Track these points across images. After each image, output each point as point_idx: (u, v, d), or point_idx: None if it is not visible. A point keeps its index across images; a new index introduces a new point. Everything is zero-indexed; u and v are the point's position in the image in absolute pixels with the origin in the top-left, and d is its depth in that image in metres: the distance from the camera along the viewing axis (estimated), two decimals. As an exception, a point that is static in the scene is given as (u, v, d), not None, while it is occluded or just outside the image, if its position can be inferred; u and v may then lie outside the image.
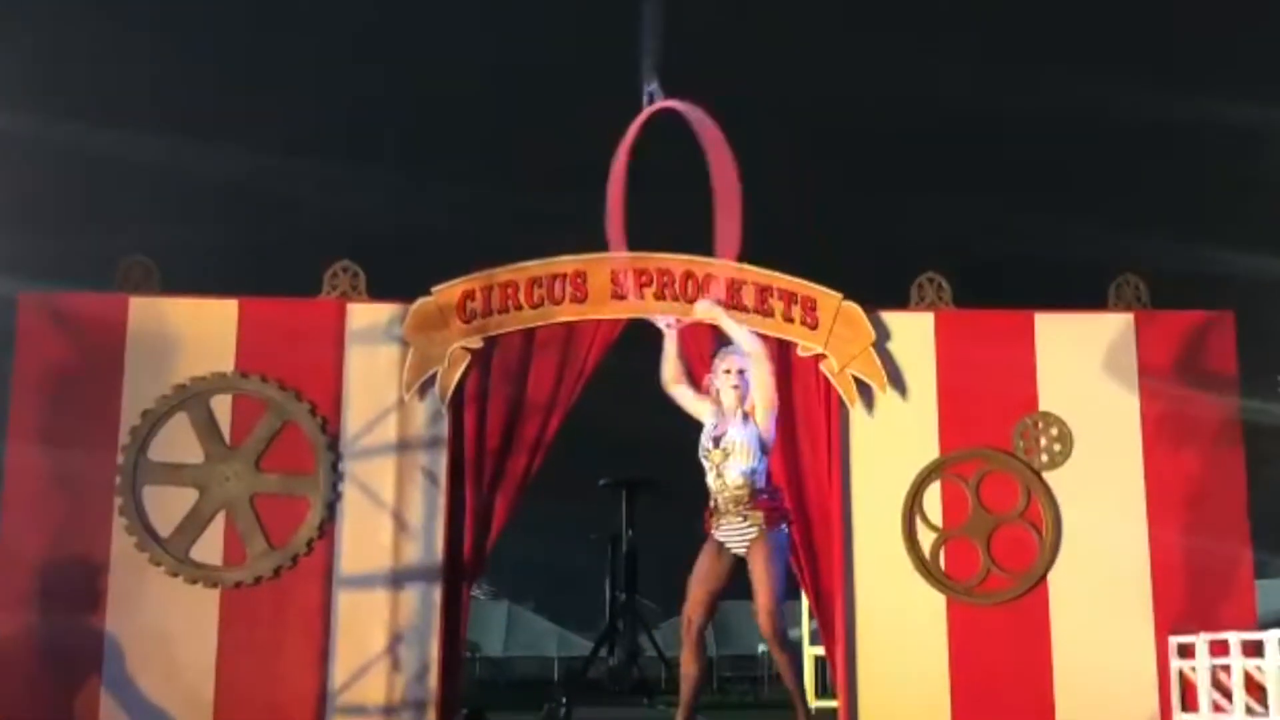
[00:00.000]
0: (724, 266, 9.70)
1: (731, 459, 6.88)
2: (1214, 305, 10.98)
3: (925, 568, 10.46)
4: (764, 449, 6.95)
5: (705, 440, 7.03)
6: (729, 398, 7.07)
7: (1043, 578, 10.49)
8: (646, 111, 7.48)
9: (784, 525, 6.96)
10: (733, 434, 6.91)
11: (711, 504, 7.00)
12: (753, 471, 6.86)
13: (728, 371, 7.13)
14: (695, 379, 7.71)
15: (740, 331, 7.14)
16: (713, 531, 6.99)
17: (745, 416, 6.92)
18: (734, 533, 6.84)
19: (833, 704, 10.60)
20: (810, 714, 7.26)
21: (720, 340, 7.80)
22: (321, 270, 10.54)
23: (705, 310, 7.41)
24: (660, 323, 7.41)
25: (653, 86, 7.37)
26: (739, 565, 7.02)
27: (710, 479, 6.97)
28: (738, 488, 6.83)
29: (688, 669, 7.16)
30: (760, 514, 6.81)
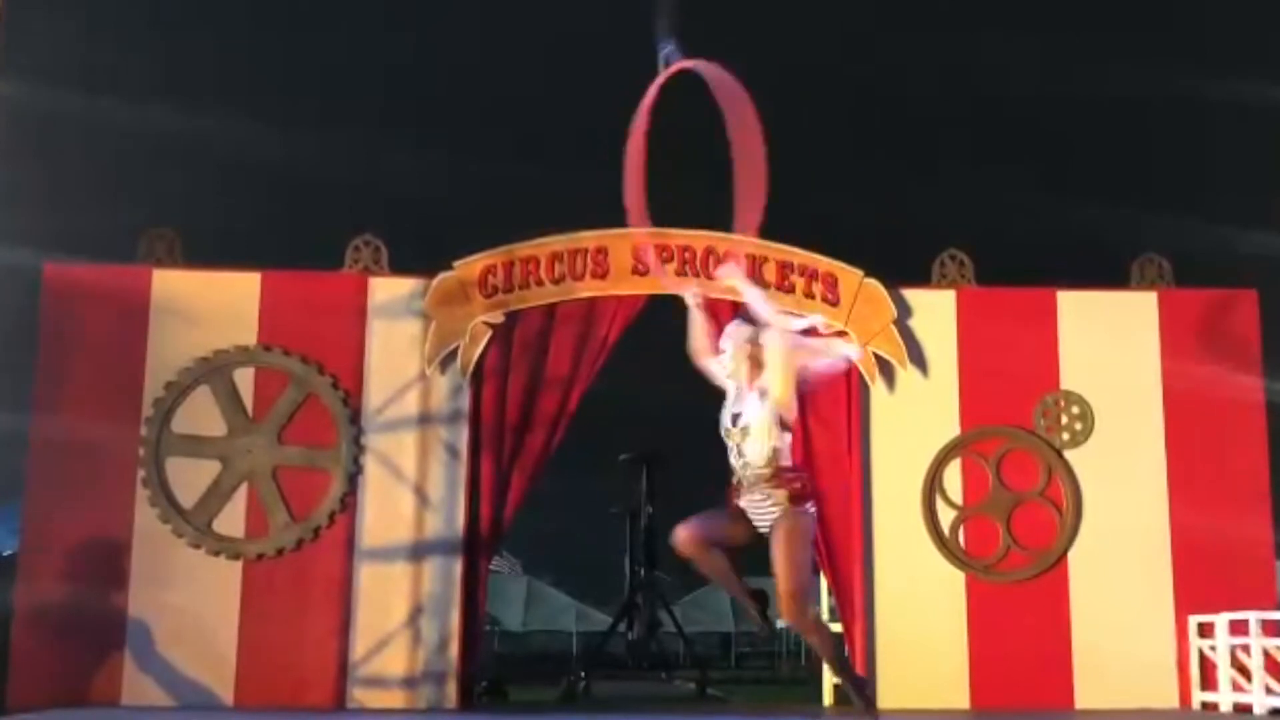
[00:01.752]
0: (742, 242, 9.62)
1: (750, 438, 6.63)
2: (1238, 284, 10.92)
3: (945, 545, 10.46)
4: (784, 426, 6.70)
5: (725, 417, 6.84)
6: (739, 374, 6.83)
7: (1063, 556, 10.49)
8: (664, 74, 7.29)
9: (809, 505, 6.76)
10: (749, 413, 6.69)
11: (735, 480, 6.81)
12: (774, 450, 6.65)
13: (749, 343, 6.93)
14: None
15: (759, 301, 6.85)
16: (737, 501, 6.82)
17: (762, 393, 6.69)
18: (757, 509, 6.65)
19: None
20: (863, 689, 6.99)
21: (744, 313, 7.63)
22: (344, 244, 10.57)
23: (727, 275, 7.21)
24: (686, 295, 7.20)
25: (669, 48, 7.18)
26: (755, 539, 6.85)
27: (732, 458, 6.76)
28: (760, 467, 6.63)
29: (715, 565, 6.87)
30: (784, 493, 6.58)
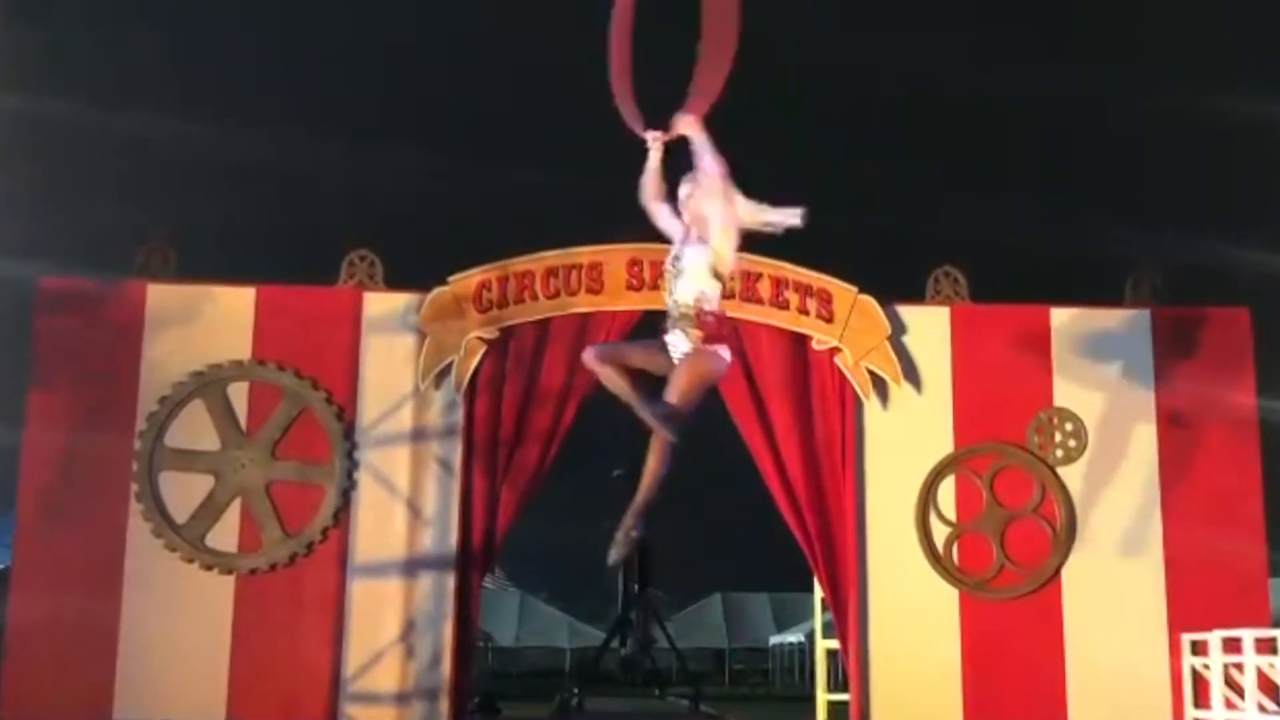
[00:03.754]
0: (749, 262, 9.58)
1: (683, 278, 6.87)
2: (1231, 302, 10.95)
3: (939, 562, 10.46)
4: (716, 274, 6.87)
5: (669, 258, 7.07)
6: (689, 218, 7.05)
7: (1056, 573, 10.50)
8: None
9: (722, 350, 6.84)
10: (688, 255, 6.89)
11: (667, 319, 7.03)
12: (700, 293, 6.81)
13: (687, 196, 7.11)
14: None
15: (706, 154, 7.01)
16: (664, 336, 7.02)
17: (701, 241, 6.85)
18: (675, 345, 6.89)
19: (845, 697, 10.61)
20: (637, 514, 7.16)
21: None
22: (339, 258, 10.58)
23: (685, 125, 7.25)
24: (646, 139, 7.25)
25: None
26: (669, 372, 6.87)
27: (665, 295, 7.00)
28: (685, 306, 6.80)
29: (615, 382, 7.02)
30: (699, 333, 6.75)
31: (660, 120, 7.01)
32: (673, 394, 6.78)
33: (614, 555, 7.07)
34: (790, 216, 7.01)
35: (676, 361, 6.84)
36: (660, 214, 7.17)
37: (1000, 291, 11.03)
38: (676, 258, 6.97)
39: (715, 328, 6.86)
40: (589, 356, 6.94)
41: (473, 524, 10.32)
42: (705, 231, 6.86)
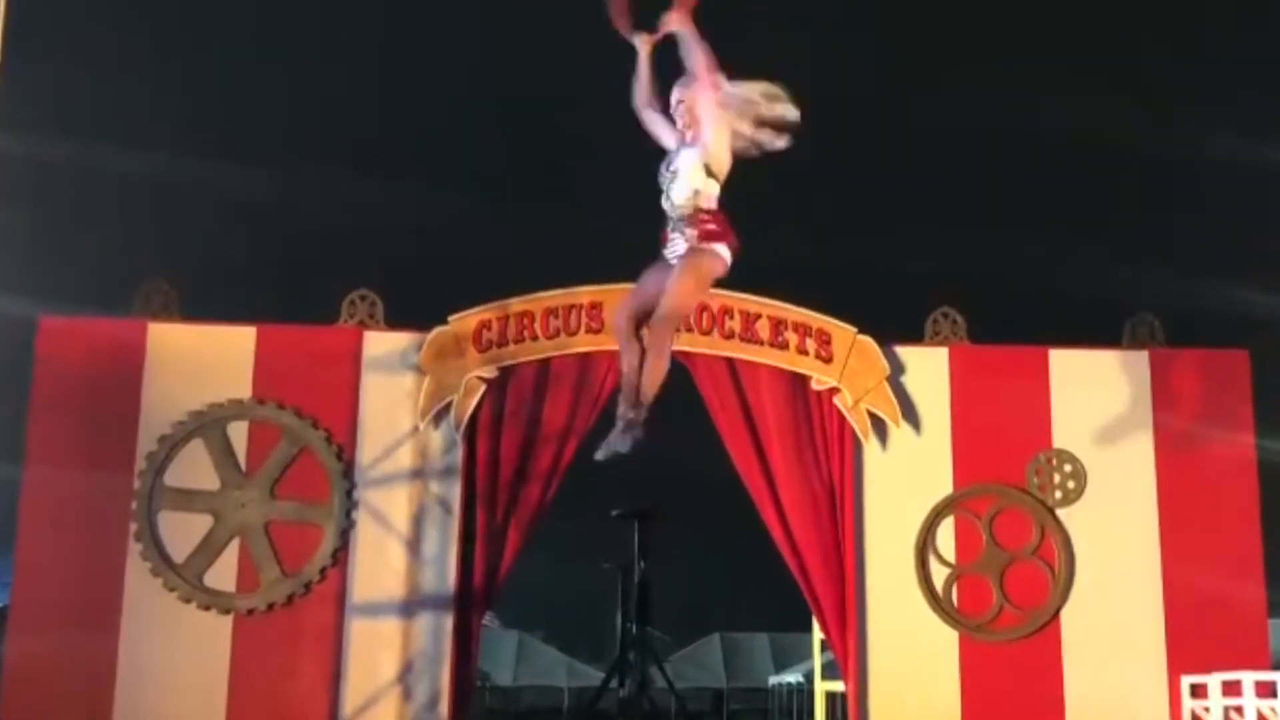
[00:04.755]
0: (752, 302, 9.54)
1: (678, 181, 6.80)
2: (1229, 344, 10.98)
3: (938, 604, 10.44)
4: (710, 173, 6.80)
5: (663, 166, 6.98)
6: (683, 124, 6.96)
7: (1055, 615, 10.47)
8: None
9: (720, 248, 6.77)
10: (682, 156, 6.82)
11: (667, 228, 6.94)
12: (695, 192, 6.75)
13: (680, 102, 7.02)
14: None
15: (695, 48, 6.91)
16: (664, 251, 6.93)
17: (695, 141, 6.78)
18: (673, 252, 6.82)
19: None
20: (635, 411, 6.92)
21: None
22: (341, 297, 10.60)
23: (674, 21, 7.14)
24: (636, 43, 7.12)
25: None
26: None
27: (663, 201, 6.89)
28: (681, 207, 6.77)
29: (627, 365, 6.97)
30: (694, 231, 6.72)
31: (649, 23, 6.89)
32: (669, 298, 6.71)
33: (603, 452, 6.93)
34: (786, 111, 6.91)
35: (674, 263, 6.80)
36: (655, 122, 7.02)
37: (999, 333, 11.05)
38: (668, 162, 6.91)
39: (714, 226, 6.80)
40: (615, 328, 6.93)
41: (471, 564, 10.30)
42: (700, 133, 6.80)
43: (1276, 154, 10.64)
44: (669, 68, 6.83)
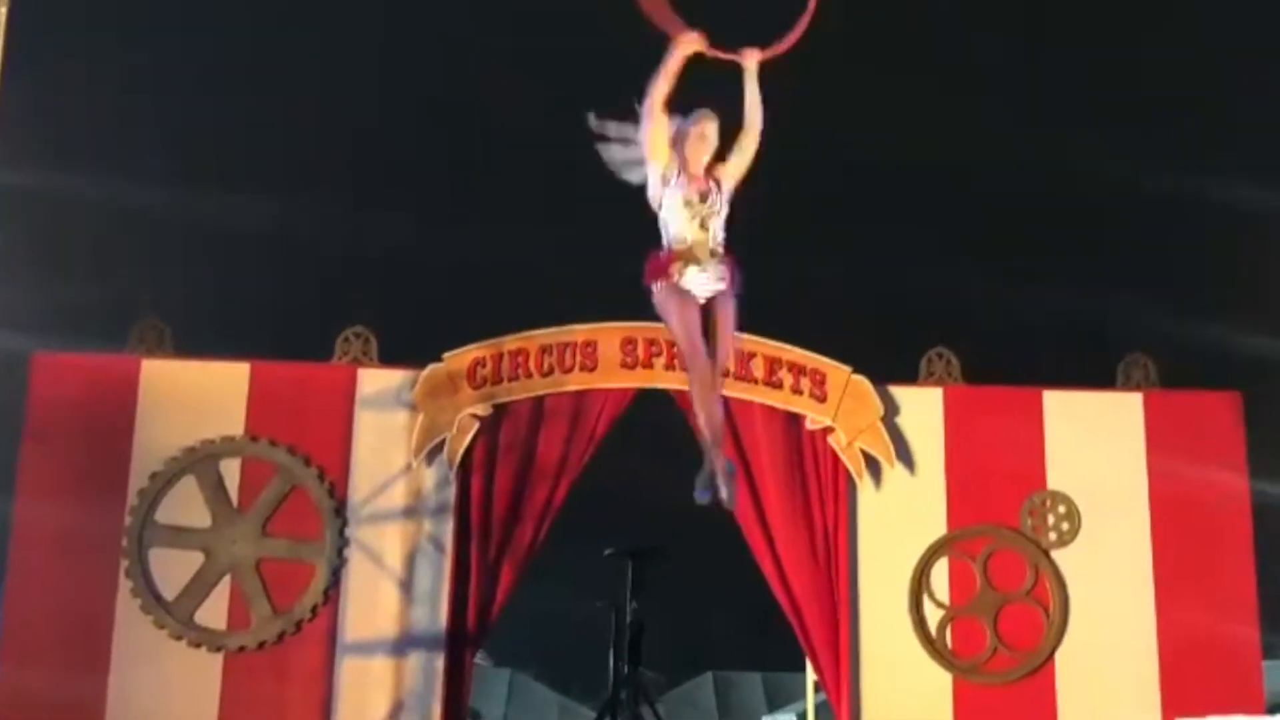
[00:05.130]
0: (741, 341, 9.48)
1: (718, 216, 6.81)
2: (1223, 386, 10.99)
3: (932, 645, 10.41)
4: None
5: (684, 191, 6.84)
6: (701, 158, 6.87)
7: (1050, 657, 10.44)
8: None
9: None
10: (715, 195, 6.81)
11: (677, 253, 6.81)
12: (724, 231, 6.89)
13: (704, 137, 6.91)
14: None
15: (757, 100, 6.84)
16: (676, 280, 6.84)
17: (718, 183, 6.81)
18: (704, 283, 6.79)
19: (837, 781, 10.53)
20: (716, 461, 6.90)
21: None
22: (335, 333, 10.60)
23: (751, 58, 6.98)
24: (684, 41, 6.89)
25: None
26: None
27: (690, 229, 6.76)
28: (718, 244, 6.79)
29: (713, 411, 6.93)
30: (727, 271, 6.77)
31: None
32: (730, 356, 6.76)
33: (700, 491, 6.88)
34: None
35: (701, 300, 6.78)
36: (660, 126, 6.77)
37: (993, 373, 11.06)
38: (703, 195, 6.87)
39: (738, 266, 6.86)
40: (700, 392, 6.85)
41: (464, 602, 10.26)
42: (722, 180, 6.85)
43: (1272, 197, 10.68)
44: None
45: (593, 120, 6.98)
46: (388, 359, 10.61)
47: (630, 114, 6.88)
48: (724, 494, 6.91)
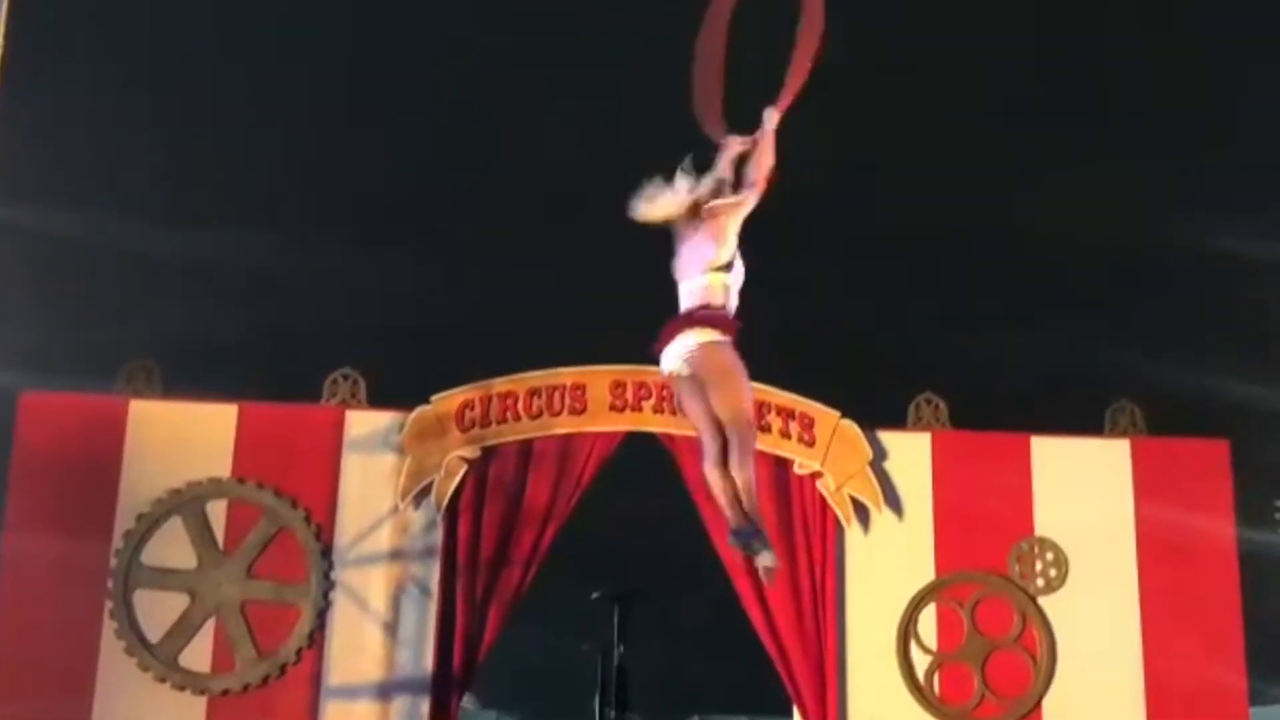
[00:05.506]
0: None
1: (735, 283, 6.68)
2: (1210, 433, 11.01)
3: (920, 692, 10.38)
4: None
5: (728, 253, 6.72)
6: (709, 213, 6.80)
7: (1037, 704, 10.42)
8: None
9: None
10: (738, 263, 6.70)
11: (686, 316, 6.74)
12: None
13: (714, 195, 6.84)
14: None
15: (766, 159, 6.76)
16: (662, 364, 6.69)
17: (710, 237, 6.64)
18: (674, 358, 6.58)
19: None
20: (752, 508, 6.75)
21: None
22: (324, 375, 10.58)
23: (772, 120, 6.95)
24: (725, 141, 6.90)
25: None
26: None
27: (718, 295, 6.57)
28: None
29: (727, 484, 6.77)
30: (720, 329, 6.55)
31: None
32: (732, 417, 6.62)
33: (741, 543, 6.70)
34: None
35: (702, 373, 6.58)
36: (680, 194, 6.68)
37: (981, 419, 11.06)
38: (729, 264, 6.66)
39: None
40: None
41: (450, 646, 10.21)
42: (720, 237, 6.62)
43: (1259, 245, 10.75)
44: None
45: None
46: (377, 401, 10.59)
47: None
48: (766, 553, 6.74)
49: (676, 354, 6.63)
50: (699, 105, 7.03)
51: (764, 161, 6.73)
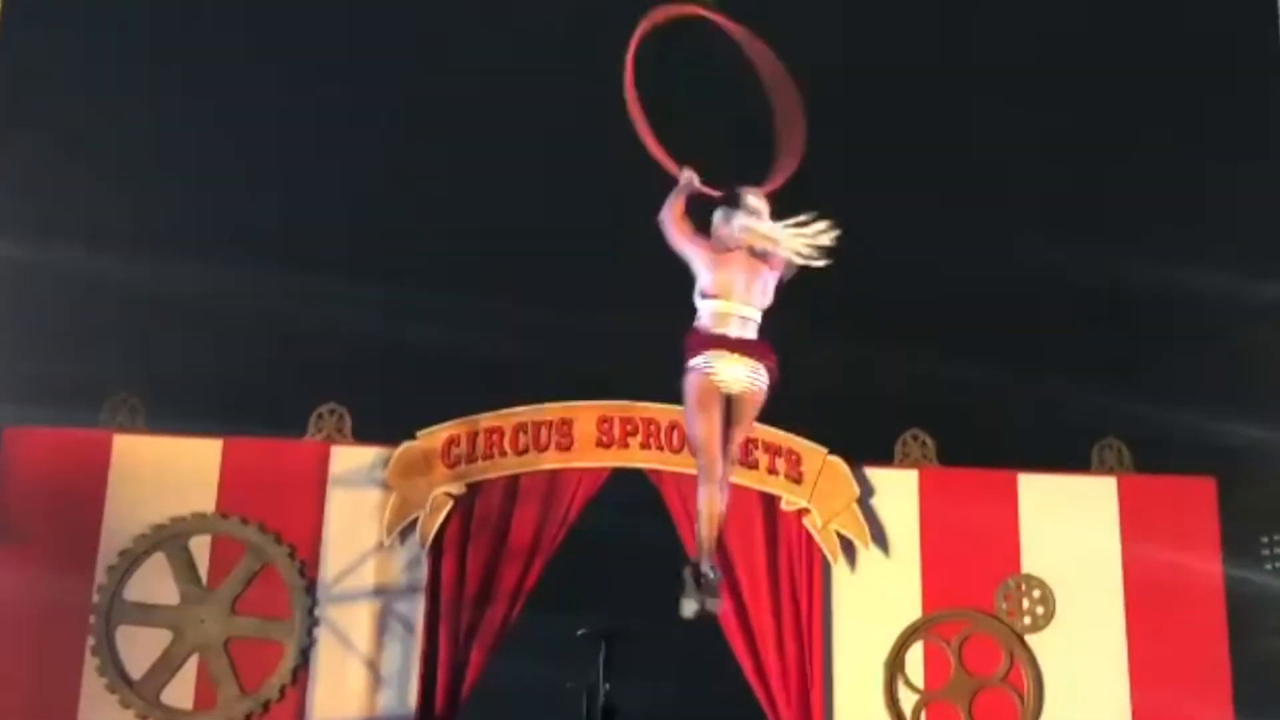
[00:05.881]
0: None
1: (761, 305, 6.91)
2: (1197, 471, 11.01)
3: (906, 731, 10.34)
4: None
5: (739, 280, 6.88)
6: (754, 242, 6.94)
7: (1025, 743, 10.38)
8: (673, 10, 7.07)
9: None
10: (763, 281, 6.96)
11: (717, 337, 6.79)
12: None
13: (756, 213, 6.94)
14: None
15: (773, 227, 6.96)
16: (711, 368, 6.69)
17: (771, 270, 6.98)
18: (739, 376, 6.72)
19: None
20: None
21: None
22: (309, 409, 10.56)
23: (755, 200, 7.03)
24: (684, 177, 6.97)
25: None
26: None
27: (728, 319, 6.83)
28: (755, 333, 6.88)
29: (717, 508, 6.80)
30: (767, 367, 6.77)
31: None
32: (736, 451, 6.84)
33: (688, 602, 6.72)
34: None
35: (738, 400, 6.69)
36: (694, 248, 6.96)
37: (968, 455, 11.06)
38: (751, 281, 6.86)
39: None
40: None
41: (433, 684, 10.15)
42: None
43: (1244, 283, 10.80)
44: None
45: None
46: (362, 436, 10.56)
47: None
48: (712, 606, 6.78)
49: (746, 375, 6.70)
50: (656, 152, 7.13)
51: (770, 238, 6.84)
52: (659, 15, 7.09)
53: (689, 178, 7.14)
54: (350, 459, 10.47)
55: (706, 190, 7.13)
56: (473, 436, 10.51)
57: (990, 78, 11.36)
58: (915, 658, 10.51)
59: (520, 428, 10.60)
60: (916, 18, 11.46)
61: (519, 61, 10.91)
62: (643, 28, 7.12)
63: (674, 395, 9.78)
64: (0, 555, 10.02)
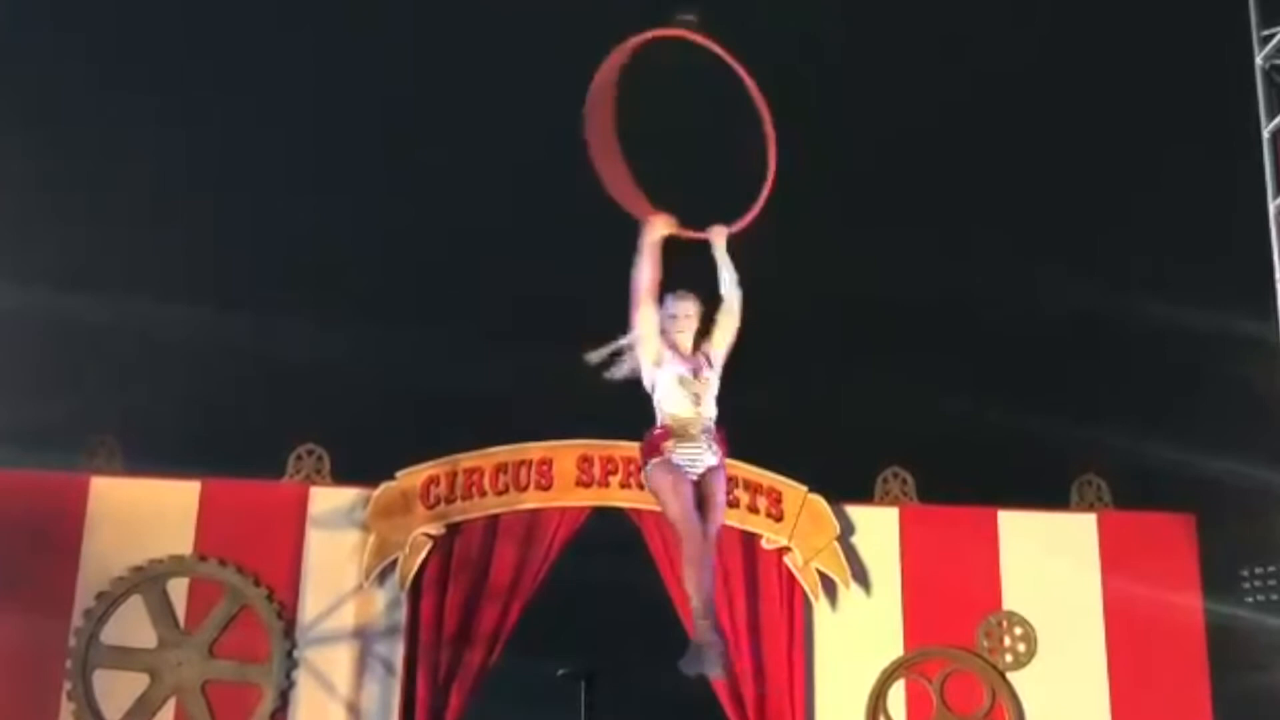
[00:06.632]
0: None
1: (709, 393, 6.83)
2: (1177, 507, 11.03)
3: (889, 769, 10.29)
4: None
5: (679, 369, 6.85)
6: (686, 340, 6.93)
7: (1008, 781, 10.34)
8: (662, 31, 6.78)
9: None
10: (708, 371, 6.86)
11: (671, 429, 6.79)
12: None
13: (688, 316, 6.97)
14: None
15: (731, 277, 6.91)
16: (669, 456, 6.79)
17: (707, 358, 6.87)
18: (697, 458, 6.72)
19: None
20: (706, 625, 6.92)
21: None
22: (288, 449, 10.51)
23: (719, 235, 7.04)
24: (656, 225, 6.94)
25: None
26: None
27: (685, 407, 6.79)
28: (709, 419, 6.80)
29: (703, 583, 6.86)
30: (719, 445, 6.80)
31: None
32: (717, 525, 6.81)
33: (688, 665, 6.77)
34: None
35: (694, 476, 6.74)
36: (650, 316, 6.84)
37: (948, 493, 11.06)
38: (695, 371, 6.87)
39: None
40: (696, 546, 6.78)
41: (414, 727, 10.08)
42: (713, 358, 6.90)
43: (1224, 319, 10.85)
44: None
45: (591, 358, 7.02)
46: (340, 477, 10.52)
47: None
48: (714, 670, 6.85)
49: (701, 460, 6.76)
50: (614, 192, 7.09)
51: (729, 289, 6.91)
52: (634, 42, 6.99)
53: (657, 227, 6.98)
54: (329, 500, 10.43)
55: (686, 233, 7.04)
56: (453, 476, 10.47)
57: (982, 122, 11.44)
58: (897, 696, 10.47)
59: (501, 467, 10.57)
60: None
61: (496, 96, 10.95)
62: (614, 59, 7.00)
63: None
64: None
